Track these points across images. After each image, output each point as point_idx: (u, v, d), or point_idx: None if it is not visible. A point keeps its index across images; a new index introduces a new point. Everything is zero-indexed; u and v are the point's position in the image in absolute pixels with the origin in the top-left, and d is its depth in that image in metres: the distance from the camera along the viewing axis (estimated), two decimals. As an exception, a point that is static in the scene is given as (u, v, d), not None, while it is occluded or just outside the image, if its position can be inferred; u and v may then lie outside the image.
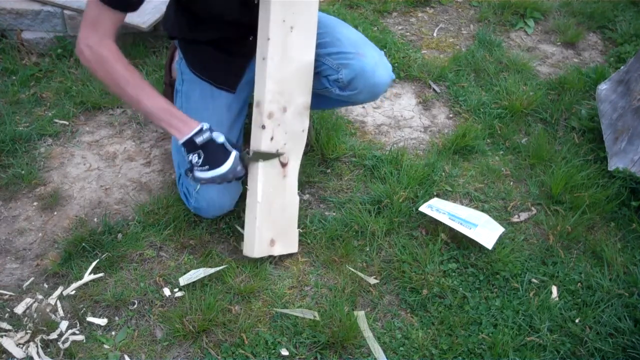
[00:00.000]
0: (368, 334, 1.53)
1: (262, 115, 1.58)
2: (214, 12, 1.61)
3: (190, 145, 1.50)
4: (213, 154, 1.51)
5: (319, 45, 1.65)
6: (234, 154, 1.54)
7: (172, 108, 1.51)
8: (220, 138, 1.53)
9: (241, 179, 1.63)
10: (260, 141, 1.59)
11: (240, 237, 1.76)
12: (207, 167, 1.51)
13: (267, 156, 1.61)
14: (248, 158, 1.59)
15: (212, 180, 1.54)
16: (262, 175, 1.61)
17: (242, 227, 1.77)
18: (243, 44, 1.74)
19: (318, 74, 1.67)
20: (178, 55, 1.84)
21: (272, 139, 1.61)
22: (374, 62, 1.63)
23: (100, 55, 1.45)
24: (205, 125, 1.51)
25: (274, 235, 1.67)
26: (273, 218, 1.66)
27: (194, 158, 1.51)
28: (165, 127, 1.51)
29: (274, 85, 1.57)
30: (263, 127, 1.59)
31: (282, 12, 1.53)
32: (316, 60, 1.65)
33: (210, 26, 1.67)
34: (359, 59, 1.61)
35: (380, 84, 1.66)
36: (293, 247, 1.73)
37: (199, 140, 1.48)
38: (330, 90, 1.68)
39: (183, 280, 1.62)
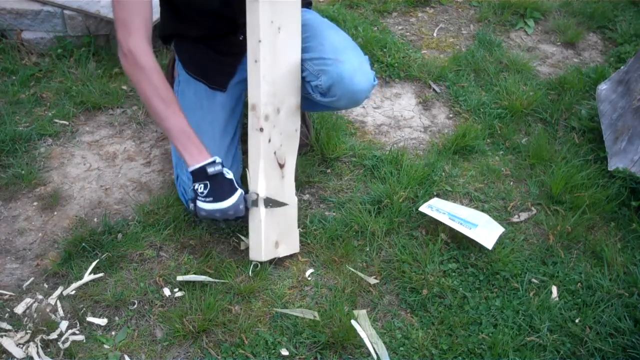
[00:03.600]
0: (371, 331, 1.53)
1: (258, 118, 1.58)
2: (194, 3, 1.62)
3: (199, 174, 1.51)
4: (220, 187, 1.53)
5: (303, 50, 1.64)
6: (239, 191, 1.56)
7: (192, 133, 1.53)
8: (229, 174, 1.55)
9: (241, 219, 1.64)
10: (259, 145, 1.60)
11: (239, 237, 1.76)
12: (210, 198, 1.53)
13: (272, 202, 1.63)
14: (252, 200, 1.61)
15: (212, 213, 1.55)
16: (262, 177, 1.62)
17: (241, 232, 1.77)
18: (233, 42, 1.74)
19: (303, 78, 1.67)
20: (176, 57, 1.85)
21: (269, 141, 1.61)
22: (352, 69, 1.59)
23: (139, 63, 1.48)
24: (218, 159, 1.53)
25: (277, 236, 1.67)
26: (276, 220, 1.66)
27: (200, 187, 1.52)
28: (180, 149, 1.52)
29: (267, 87, 1.57)
30: (261, 129, 1.59)
31: (270, 13, 1.52)
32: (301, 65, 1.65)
33: (194, 19, 1.68)
34: (336, 65, 1.58)
35: (358, 91, 1.62)
36: (295, 247, 1.73)
37: (210, 170, 1.50)
38: (312, 96, 1.68)
39: (180, 277, 1.62)
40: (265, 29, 1.53)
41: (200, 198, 1.54)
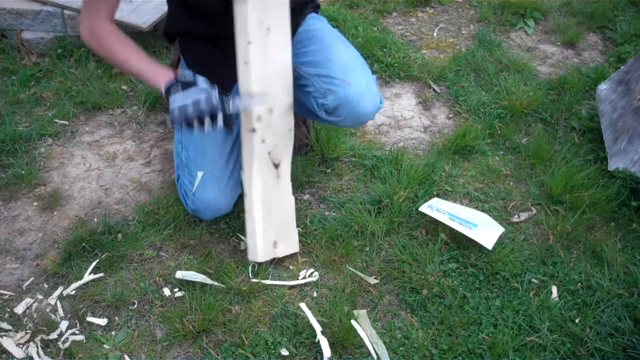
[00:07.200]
0: (371, 331, 1.53)
1: (251, 119, 1.58)
2: (205, 6, 1.62)
3: (174, 86, 1.46)
4: (192, 84, 1.48)
5: (310, 63, 1.64)
6: (205, 82, 1.49)
7: (157, 63, 1.59)
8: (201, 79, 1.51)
9: (215, 121, 1.47)
10: (252, 145, 1.59)
11: (239, 237, 1.76)
12: (181, 92, 1.45)
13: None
14: (228, 101, 1.49)
15: (184, 108, 1.42)
16: (257, 178, 1.61)
17: (241, 232, 1.77)
18: None
19: (308, 93, 1.67)
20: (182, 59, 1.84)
21: (263, 141, 1.61)
22: (360, 91, 1.59)
23: (97, 34, 1.57)
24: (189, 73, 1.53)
25: (275, 236, 1.67)
26: (273, 220, 1.66)
27: (174, 90, 1.46)
28: (150, 77, 1.56)
29: (259, 88, 1.57)
30: (253, 130, 1.58)
31: (259, 13, 1.52)
32: (306, 79, 1.64)
33: (202, 16, 1.67)
34: (344, 86, 1.58)
35: (364, 113, 1.63)
36: (294, 247, 1.73)
37: (181, 78, 1.48)
38: (317, 113, 1.67)
39: (180, 274, 1.62)
40: (254, 30, 1.52)
41: (172, 95, 1.45)
